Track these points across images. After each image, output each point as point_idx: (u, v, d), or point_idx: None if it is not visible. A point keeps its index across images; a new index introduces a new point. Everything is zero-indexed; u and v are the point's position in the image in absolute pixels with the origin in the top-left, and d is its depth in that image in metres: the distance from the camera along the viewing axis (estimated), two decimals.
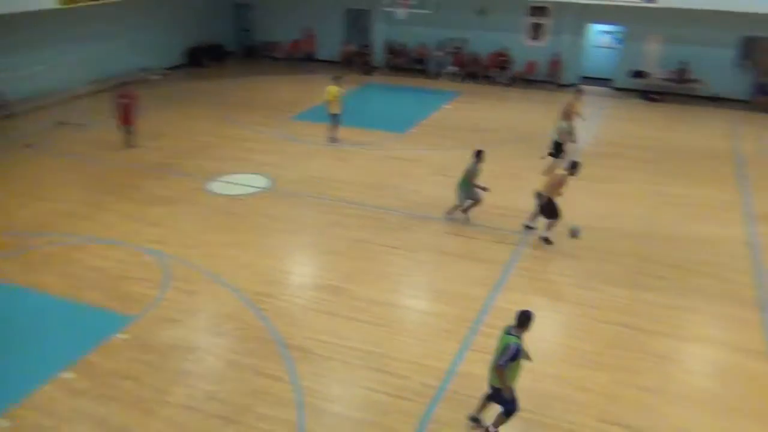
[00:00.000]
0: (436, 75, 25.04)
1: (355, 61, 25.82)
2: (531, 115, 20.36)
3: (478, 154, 11.83)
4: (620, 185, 14.37)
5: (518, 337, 6.48)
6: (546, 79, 24.23)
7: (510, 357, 6.39)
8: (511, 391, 6.67)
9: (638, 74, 23.25)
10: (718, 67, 22.28)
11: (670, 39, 22.61)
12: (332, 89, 16.09)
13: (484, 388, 7.68)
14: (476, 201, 12.05)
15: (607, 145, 17.46)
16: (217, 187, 13.65)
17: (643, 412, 7.50)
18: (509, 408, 6.78)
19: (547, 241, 11.48)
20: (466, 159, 15.69)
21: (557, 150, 15.02)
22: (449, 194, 13.49)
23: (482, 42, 24.78)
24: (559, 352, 8.60)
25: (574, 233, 11.34)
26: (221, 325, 8.95)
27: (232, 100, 20.94)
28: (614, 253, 11.18)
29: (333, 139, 16.56)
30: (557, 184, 11.28)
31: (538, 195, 11.49)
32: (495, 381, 6.70)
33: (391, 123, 18.68)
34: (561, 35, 23.85)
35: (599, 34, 25.08)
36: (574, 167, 11.23)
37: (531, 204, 12.92)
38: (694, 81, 22.43)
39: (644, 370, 8.23)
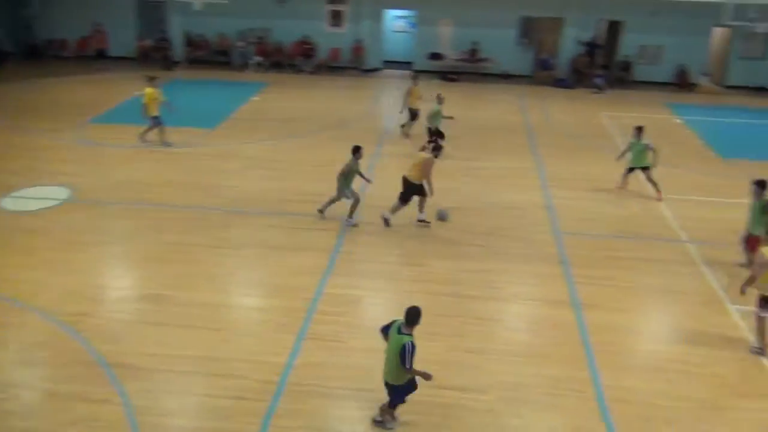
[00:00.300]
0: (242, 66, 24.56)
1: (153, 57, 24.49)
2: (340, 102, 20.75)
3: (357, 150, 11.62)
4: None
5: (410, 335, 6.50)
6: (350, 65, 24.76)
7: (412, 355, 6.41)
8: (424, 376, 6.68)
9: (435, 56, 24.57)
10: (504, 46, 24.25)
11: (460, 22, 24.14)
12: (149, 91, 15.15)
13: (324, 374, 7.83)
14: (337, 199, 11.90)
15: (416, 126, 18.27)
16: (10, 203, 12.29)
17: (472, 373, 8.03)
18: (401, 400, 6.94)
19: (387, 223, 11.81)
20: (282, 150, 15.71)
21: (438, 134, 15.62)
22: (268, 187, 13.41)
23: (285, 31, 24.70)
24: None
25: (441, 216, 11.67)
26: (34, 355, 8.13)
27: (15, 106, 18.88)
28: (434, 228, 11.79)
29: (145, 140, 15.69)
30: (426, 168, 11.49)
31: (406, 180, 11.66)
32: (397, 380, 6.69)
33: (199, 119, 18.02)
34: (360, 21, 24.47)
35: (395, 19, 26.11)
36: (437, 150, 11.63)
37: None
38: (485, 60, 24.21)
39: (470, 334, 8.81)
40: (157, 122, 15.45)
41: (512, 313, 9.51)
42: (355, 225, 11.73)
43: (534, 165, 15.19)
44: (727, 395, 7.75)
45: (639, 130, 13.38)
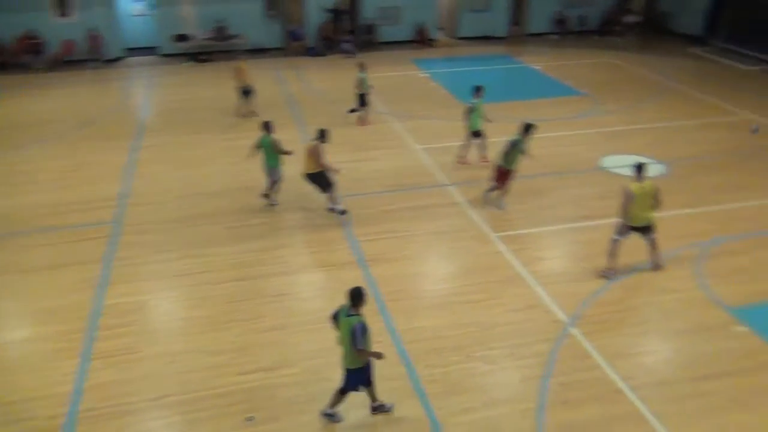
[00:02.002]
0: None
1: None
2: (84, 98, 19.04)
3: (323, 134, 11.06)
4: (196, 149, 14.62)
5: (358, 315, 6.43)
6: (88, 57, 22.75)
7: (362, 336, 6.34)
8: (376, 356, 6.60)
9: (182, 38, 23.51)
10: (251, 20, 23.92)
11: (202, 0, 23.29)
12: None
13: (120, 391, 7.33)
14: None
15: (171, 113, 17.45)
16: None
17: (276, 350, 8.06)
18: (361, 382, 6.78)
19: (342, 212, 11.35)
20: (24, 160, 14.08)
21: (362, 102, 16.00)
22: (17, 203, 12.03)
23: (1, 26, 21.82)
24: (183, 327, 8.59)
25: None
26: None
27: None
28: (208, 215, 11.45)
29: None
30: (317, 155, 10.94)
31: (308, 176, 11.14)
32: (354, 363, 6.58)
33: None
34: (92, 7, 22.48)
35: (132, 2, 24.42)
36: (323, 135, 11.05)
37: (112, 191, 12.41)
38: (234, 37, 23.70)
39: (266, 313, 8.79)
40: None
41: (305, 283, 9.65)
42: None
43: (302, 135, 15.34)
44: (500, 313, 8.68)
45: (478, 89, 13.11)
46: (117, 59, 23.23)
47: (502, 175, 11.36)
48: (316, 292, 9.47)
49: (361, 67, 16.07)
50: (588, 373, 7.60)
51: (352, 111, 16.25)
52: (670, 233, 10.43)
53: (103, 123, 16.57)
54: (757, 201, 11.78)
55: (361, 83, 15.90)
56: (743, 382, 7.43)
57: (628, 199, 8.99)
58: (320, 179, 11.18)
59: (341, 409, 6.98)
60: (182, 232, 10.94)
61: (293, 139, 15.12)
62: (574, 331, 8.29)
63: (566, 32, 26.35)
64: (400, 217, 11.37)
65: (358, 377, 6.72)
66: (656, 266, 9.62)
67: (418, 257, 10.27)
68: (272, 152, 11.42)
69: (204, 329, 8.49)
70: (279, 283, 9.50)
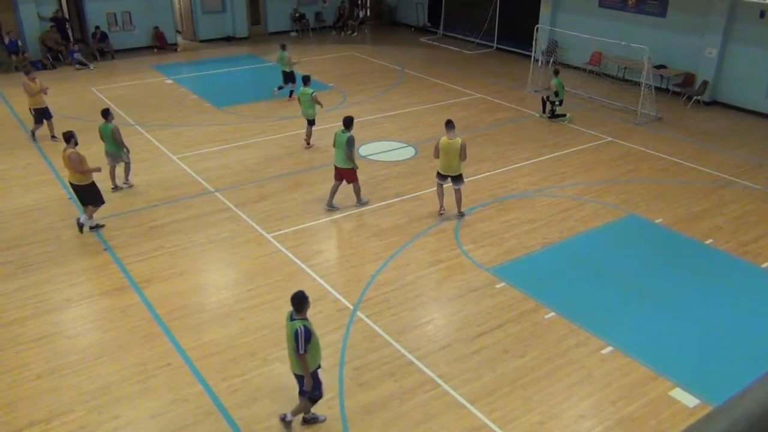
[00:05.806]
0: None
1: None
2: None
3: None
4: None
5: (302, 320, 6.34)
6: None
7: (305, 341, 6.23)
8: (316, 376, 6.57)
9: None
10: None
11: None
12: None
13: None
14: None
15: None
16: None
17: (50, 398, 7.22)
18: (313, 395, 6.68)
19: (98, 227, 10.78)
20: None
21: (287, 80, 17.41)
22: None
23: None
24: None
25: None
26: None
27: None
28: None
29: None
30: (78, 163, 10.11)
31: (73, 185, 10.56)
32: (298, 369, 6.50)
33: None
34: None
35: None
36: (72, 137, 10.48)
37: None
38: None
39: (31, 360, 7.84)
40: None
41: (71, 319, 8.76)
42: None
43: (39, 158, 13.84)
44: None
45: (307, 79, 14.08)
46: None
47: (349, 175, 11.26)
48: (86, 325, 8.64)
49: (283, 47, 17.55)
50: (379, 353, 7.99)
51: (280, 88, 17.61)
52: (427, 210, 11.36)
53: None
54: (494, 171, 13.31)
55: (286, 61, 17.25)
56: (511, 331, 8.40)
57: (436, 150, 10.80)
58: (86, 192, 10.56)
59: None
60: None
61: (29, 162, 13.61)
62: (361, 315, 8.67)
63: (305, 29, 27.03)
64: (171, 231, 10.84)
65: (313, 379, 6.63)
66: (460, 214, 11.20)
67: (196, 270, 9.91)
68: (112, 140, 11.76)
69: None
70: (39, 325, 8.49)
